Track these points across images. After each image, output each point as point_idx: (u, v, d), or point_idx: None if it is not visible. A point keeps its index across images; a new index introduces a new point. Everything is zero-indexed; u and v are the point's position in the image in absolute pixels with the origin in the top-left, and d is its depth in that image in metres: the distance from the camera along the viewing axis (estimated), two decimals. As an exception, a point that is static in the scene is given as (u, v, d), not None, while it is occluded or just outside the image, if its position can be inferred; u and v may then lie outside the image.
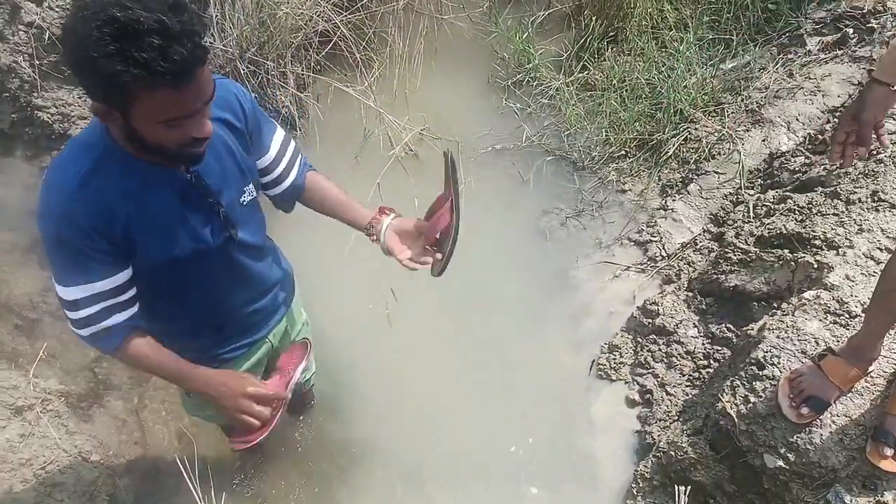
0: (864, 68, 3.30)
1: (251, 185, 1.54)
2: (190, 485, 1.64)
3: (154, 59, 1.04)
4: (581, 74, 3.76)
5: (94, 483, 2.18)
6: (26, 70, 3.16)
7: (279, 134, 1.62)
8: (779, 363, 2.03)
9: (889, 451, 1.70)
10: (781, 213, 2.65)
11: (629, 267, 2.98)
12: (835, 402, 1.85)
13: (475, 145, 3.58)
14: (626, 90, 3.57)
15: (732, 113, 3.37)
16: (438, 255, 1.54)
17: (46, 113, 3.22)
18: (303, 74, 3.68)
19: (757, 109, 3.33)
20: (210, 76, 1.18)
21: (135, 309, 1.43)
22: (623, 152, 3.44)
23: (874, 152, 2.02)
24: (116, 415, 2.52)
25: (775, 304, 2.40)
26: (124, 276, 1.37)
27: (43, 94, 3.21)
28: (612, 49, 3.79)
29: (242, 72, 3.45)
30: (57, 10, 3.17)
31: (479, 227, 3.22)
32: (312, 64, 3.70)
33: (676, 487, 1.52)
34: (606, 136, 3.47)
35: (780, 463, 1.87)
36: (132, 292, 1.41)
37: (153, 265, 1.39)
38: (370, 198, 3.23)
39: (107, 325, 1.39)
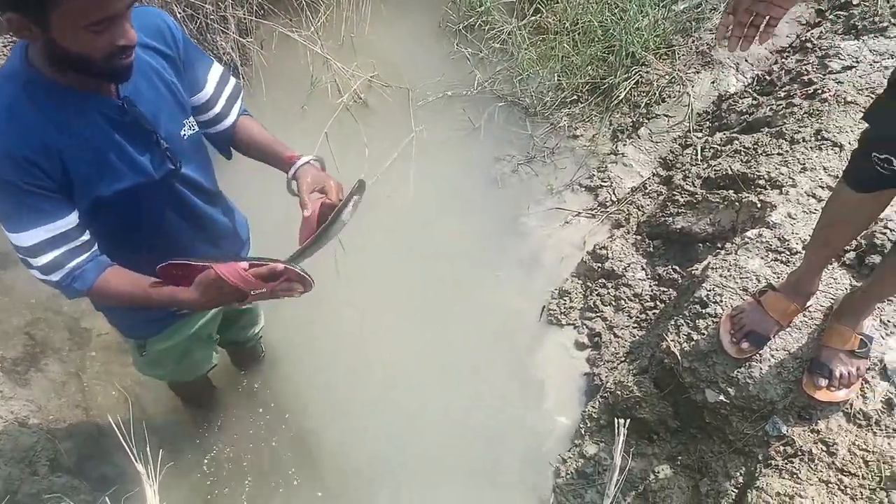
0: (812, 8, 3.29)
1: (192, 119, 1.47)
2: (126, 447, 1.60)
3: None
4: (534, 17, 3.68)
5: (32, 448, 2.12)
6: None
7: (216, 70, 1.53)
8: (721, 301, 2.05)
9: (823, 382, 1.75)
10: (728, 155, 2.66)
11: (580, 212, 2.97)
12: (774, 336, 1.89)
13: (426, 92, 3.50)
14: (579, 33, 3.50)
15: (683, 55, 3.34)
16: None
17: (-34, 62, 3.03)
18: (245, 19, 3.52)
19: (707, 51, 3.31)
20: None
21: (96, 248, 1.37)
22: (575, 97, 3.40)
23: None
24: (55, 378, 2.44)
25: (720, 245, 2.43)
26: (75, 217, 1.31)
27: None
28: (564, -10, 3.70)
29: (178, 15, 3.28)
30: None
31: (431, 174, 3.17)
32: (255, 7, 3.54)
33: (616, 420, 1.54)
34: (559, 80, 3.41)
35: (721, 397, 1.91)
36: (87, 235, 1.35)
37: (97, 202, 1.32)
38: (317, 148, 3.14)
39: (74, 266, 1.33)
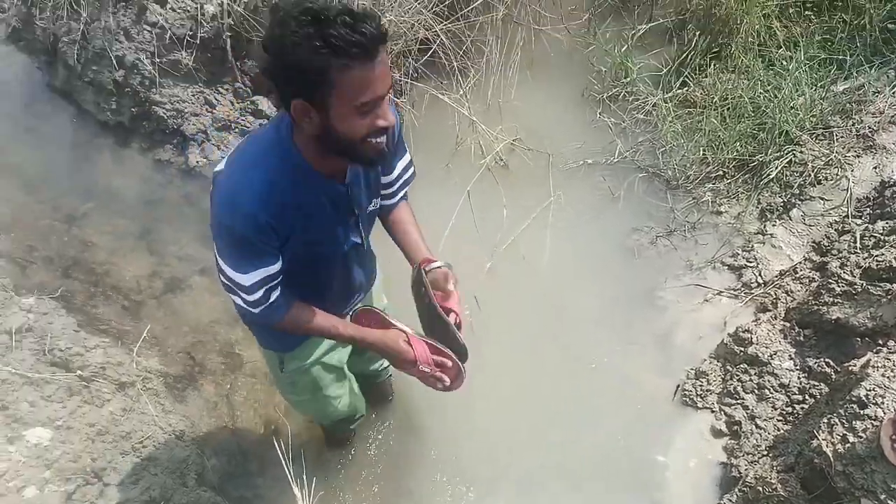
0: None
1: (378, 198, 1.66)
2: (284, 463, 1.71)
3: (347, 34, 1.16)
4: (680, 91, 3.68)
5: (185, 461, 2.30)
6: (147, 67, 3.38)
7: (406, 158, 1.71)
8: (883, 403, 1.91)
9: None
10: (892, 245, 2.50)
11: (721, 291, 2.88)
12: (946, 450, 1.73)
13: (566, 158, 3.56)
14: (728, 108, 3.46)
15: (842, 137, 3.21)
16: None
17: (162, 108, 3.44)
18: (400, 80, 3.76)
19: (869, 135, 3.16)
20: (388, 64, 1.27)
21: (283, 286, 1.57)
22: (721, 173, 3.33)
23: None
24: (208, 398, 2.65)
25: (880, 341, 2.27)
26: (281, 261, 1.50)
27: (161, 90, 3.42)
28: (714, 65, 3.68)
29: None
30: (178, 11, 3.39)
31: (567, 241, 3.20)
32: (410, 71, 3.78)
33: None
34: (704, 154, 3.37)
35: (880, 510, 1.76)
36: (282, 275, 1.54)
37: (293, 255, 1.50)
38: (459, 206, 3.26)
39: (273, 302, 1.53)
